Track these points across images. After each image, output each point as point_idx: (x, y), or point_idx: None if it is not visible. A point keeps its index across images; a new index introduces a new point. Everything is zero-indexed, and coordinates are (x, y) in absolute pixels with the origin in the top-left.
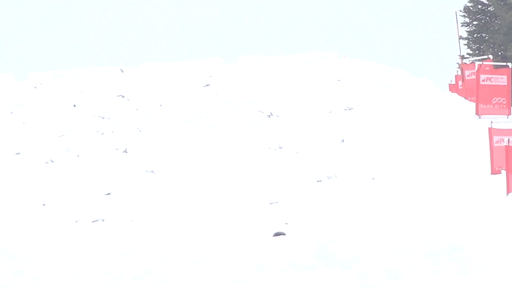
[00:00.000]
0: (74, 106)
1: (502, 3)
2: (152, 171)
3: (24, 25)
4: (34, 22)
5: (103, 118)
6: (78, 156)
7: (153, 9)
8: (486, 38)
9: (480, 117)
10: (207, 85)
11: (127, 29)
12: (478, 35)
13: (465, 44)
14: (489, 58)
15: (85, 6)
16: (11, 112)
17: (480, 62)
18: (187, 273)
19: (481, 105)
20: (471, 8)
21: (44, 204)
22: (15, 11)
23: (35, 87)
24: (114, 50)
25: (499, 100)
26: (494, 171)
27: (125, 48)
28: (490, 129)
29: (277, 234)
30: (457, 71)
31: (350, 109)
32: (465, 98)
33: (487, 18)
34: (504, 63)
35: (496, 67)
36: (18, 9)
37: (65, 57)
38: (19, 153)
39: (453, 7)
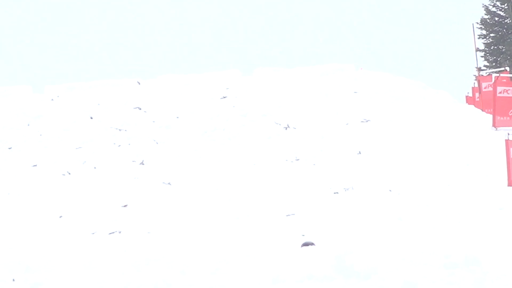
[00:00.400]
0: (91, 118)
1: None
2: (169, 183)
3: (40, 35)
4: (49, 33)
5: (120, 130)
6: (95, 168)
7: (163, 19)
8: (503, 50)
9: (497, 129)
10: (224, 97)
11: (141, 39)
12: (495, 47)
13: (482, 56)
14: (506, 70)
15: (99, 18)
16: (28, 124)
17: (497, 74)
18: (204, 285)
19: (498, 117)
20: (488, 21)
21: (61, 216)
22: (31, 21)
23: (52, 99)
24: (129, 60)
25: None
26: (511, 183)
27: (141, 58)
28: (507, 141)
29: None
30: (474, 83)
31: (367, 121)
32: (482, 110)
33: (504, 30)
34: None
35: None
36: (34, 19)
37: (80, 67)
38: (36, 165)
39: (470, 19)
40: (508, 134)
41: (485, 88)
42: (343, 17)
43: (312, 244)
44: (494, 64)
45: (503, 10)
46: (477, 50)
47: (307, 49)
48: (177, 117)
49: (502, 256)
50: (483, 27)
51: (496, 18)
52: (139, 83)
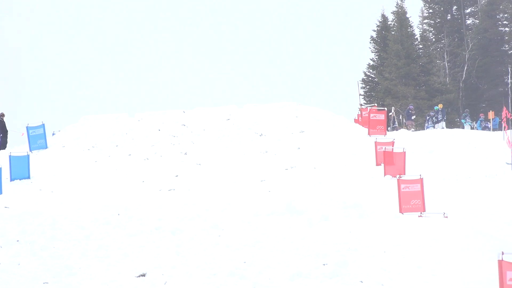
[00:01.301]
0: (159, 130)
1: (381, 76)
2: (199, 164)
3: (132, 78)
4: (137, 77)
5: (174, 136)
6: (161, 156)
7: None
8: (374, 95)
9: (370, 136)
10: (228, 119)
11: (185, 86)
12: (369, 93)
13: (362, 97)
14: (375, 105)
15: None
16: (126, 133)
17: (371, 107)
18: (217, 217)
19: (371, 130)
20: (365, 79)
21: (143, 181)
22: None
23: (139, 120)
24: (177, 96)
25: (380, 127)
26: (378, 164)
27: (183, 96)
28: (375, 142)
29: None
30: (358, 112)
31: (303, 132)
32: (363, 126)
33: (374, 84)
34: (383, 108)
35: (379, 109)
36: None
37: (151, 102)
38: (130, 155)
39: (356, 77)
40: (376, 138)
41: (364, 114)
42: (289, 71)
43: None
44: (369, 102)
45: (373, 74)
46: (360, 94)
47: (270, 90)
48: (204, 130)
49: (372, 201)
50: (363, 83)
51: (370, 78)
52: (184, 112)
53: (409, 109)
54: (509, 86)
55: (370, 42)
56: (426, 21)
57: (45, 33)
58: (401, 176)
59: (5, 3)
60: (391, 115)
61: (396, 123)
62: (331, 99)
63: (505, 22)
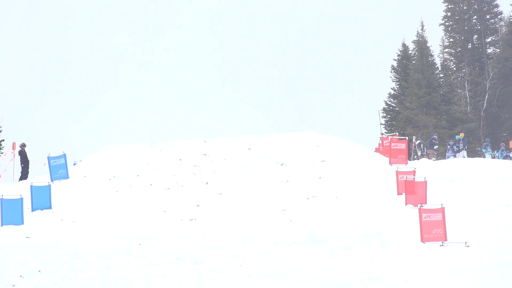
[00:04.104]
0: (180, 160)
1: (402, 105)
2: (221, 194)
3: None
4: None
5: (195, 166)
6: (182, 186)
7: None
8: (394, 124)
9: (391, 165)
10: (249, 149)
11: (204, 117)
12: (390, 122)
13: (383, 127)
14: (396, 134)
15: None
16: (147, 163)
17: (391, 136)
18: (239, 246)
19: (392, 159)
20: (386, 108)
21: (164, 211)
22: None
23: (160, 150)
24: (197, 128)
25: (401, 156)
26: (399, 193)
27: (205, 123)
28: (396, 171)
29: None
30: (379, 141)
31: (324, 161)
32: (384, 156)
33: (395, 113)
34: (404, 137)
35: (400, 139)
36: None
37: (171, 132)
38: (151, 184)
39: (377, 107)
40: (397, 167)
41: (385, 144)
42: (310, 100)
43: None
44: (390, 131)
45: (394, 103)
46: (381, 124)
47: (292, 120)
48: (225, 159)
49: (394, 231)
50: (383, 112)
51: (391, 107)
52: (205, 141)
53: (433, 138)
54: None
55: (391, 71)
56: (446, 50)
57: (67, 64)
58: (422, 205)
59: (32, 37)
60: (417, 144)
61: (419, 152)
62: (352, 128)
63: None
